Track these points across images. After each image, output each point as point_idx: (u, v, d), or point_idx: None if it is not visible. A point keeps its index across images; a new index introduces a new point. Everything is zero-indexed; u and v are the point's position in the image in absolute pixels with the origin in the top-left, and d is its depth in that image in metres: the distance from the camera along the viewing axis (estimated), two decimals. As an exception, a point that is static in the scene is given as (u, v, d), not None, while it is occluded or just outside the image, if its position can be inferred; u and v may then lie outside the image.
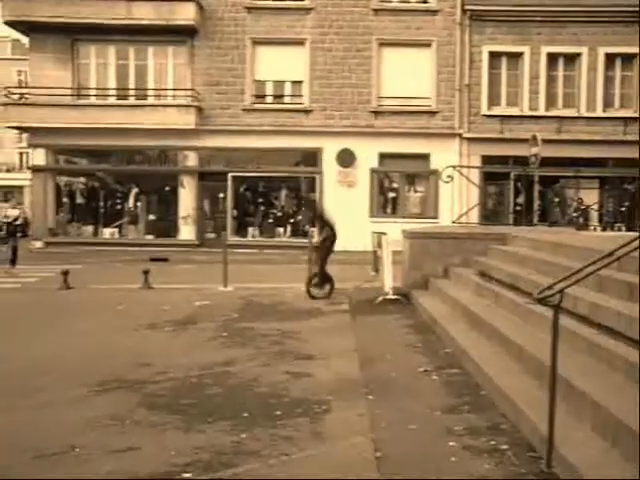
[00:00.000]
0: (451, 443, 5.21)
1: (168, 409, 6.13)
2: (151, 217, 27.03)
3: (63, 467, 4.87)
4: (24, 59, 38.48)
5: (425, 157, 25.88)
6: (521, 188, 22.83)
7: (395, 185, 26.67)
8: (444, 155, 23.92)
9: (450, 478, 4.59)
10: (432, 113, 25.96)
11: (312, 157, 26.11)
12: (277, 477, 4.66)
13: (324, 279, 12.81)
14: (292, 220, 26.52)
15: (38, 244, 25.83)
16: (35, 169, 27.01)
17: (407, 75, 25.51)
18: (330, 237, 12.66)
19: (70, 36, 25.98)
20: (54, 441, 5.33)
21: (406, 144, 25.28)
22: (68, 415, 6.00)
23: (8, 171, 71.77)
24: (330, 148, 25.63)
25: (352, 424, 5.72)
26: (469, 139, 25.76)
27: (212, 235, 26.11)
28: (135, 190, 26.93)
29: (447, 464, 4.82)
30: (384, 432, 5.48)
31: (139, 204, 26.99)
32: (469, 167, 22.83)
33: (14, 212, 18.77)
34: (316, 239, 12.55)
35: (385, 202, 26.57)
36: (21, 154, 67.22)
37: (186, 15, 25.37)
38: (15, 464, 4.93)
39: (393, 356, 8.18)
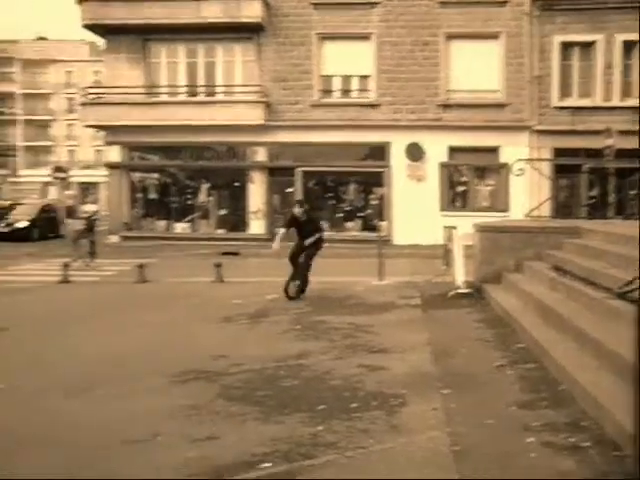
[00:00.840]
0: (529, 439, 5.15)
1: (246, 400, 6.26)
2: (222, 212, 27.45)
3: (149, 453, 5.05)
4: (100, 61, 39.51)
5: (494, 150, 25.53)
6: (595, 181, 22.33)
7: (465, 179, 26.40)
8: (514, 148, 23.56)
9: (531, 478, 4.55)
10: (501, 106, 25.58)
11: (380, 151, 26.07)
12: (355, 468, 4.71)
13: (304, 280, 12.53)
14: (361, 214, 26.54)
15: (114, 238, 26.55)
16: (110, 166, 27.80)
17: (475, 67, 25.18)
18: (321, 240, 12.73)
19: (142, 37, 26.61)
20: (139, 428, 5.52)
21: (475, 137, 25.00)
22: (150, 404, 6.20)
23: (86, 168, 73.92)
24: (398, 142, 25.54)
25: (428, 418, 5.73)
26: (539, 131, 25.28)
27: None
28: (206, 185, 27.39)
29: (526, 460, 4.76)
30: (460, 426, 5.47)
31: (210, 199, 27.45)
32: (540, 160, 22.47)
33: (92, 207, 19.33)
34: (309, 241, 12.37)
35: (455, 196, 26.34)
36: (97, 151, 69.18)
37: (253, 13, 25.63)
38: (105, 448, 5.13)
39: (466, 350, 8.14)
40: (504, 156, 24.60)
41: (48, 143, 79.89)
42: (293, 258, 12.51)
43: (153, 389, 6.68)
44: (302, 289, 12.46)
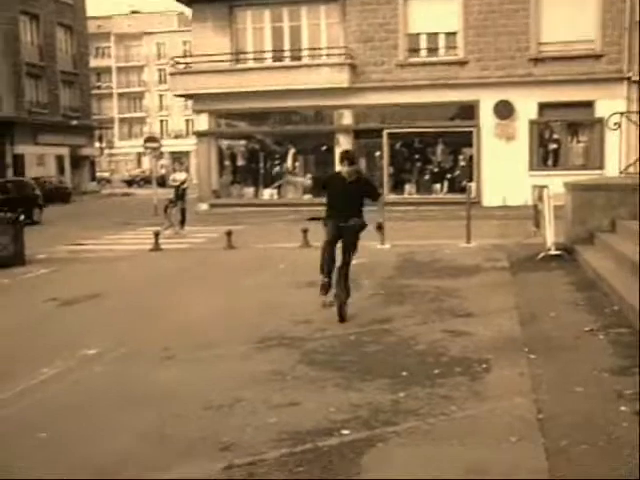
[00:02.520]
0: (622, 408, 4.93)
1: (327, 366, 6.26)
2: (308, 177, 27.46)
3: (231, 418, 5.11)
4: (188, 30, 40.02)
5: (589, 105, 24.43)
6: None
7: (556, 136, 25.43)
8: (610, 102, 22.45)
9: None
10: (597, 57, 24.38)
11: (468, 110, 25.40)
12: (436, 436, 4.64)
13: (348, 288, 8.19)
14: (449, 176, 26.06)
15: (203, 206, 27.03)
16: (199, 134, 28.20)
17: (569, 18, 23.99)
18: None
19: (228, 3, 26.69)
20: (221, 393, 5.60)
21: (568, 92, 23.98)
22: (233, 369, 6.29)
23: (177, 137, 75.60)
24: (487, 100, 24.80)
25: (513, 384, 5.59)
26: (639, 83, 24.02)
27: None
28: (293, 150, 27.44)
29: (618, 430, 4.55)
30: (547, 393, 5.30)
31: (297, 164, 27.51)
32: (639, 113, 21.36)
33: (181, 176, 19.68)
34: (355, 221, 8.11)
35: (545, 154, 25.44)
36: (187, 121, 70.57)
37: (337, -28, 25.28)
38: (188, 414, 5.23)
39: (556, 314, 7.88)
40: (599, 111, 23.52)
41: (141, 114, 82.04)
42: (329, 249, 8.09)
43: (236, 354, 6.77)
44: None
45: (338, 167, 8.88)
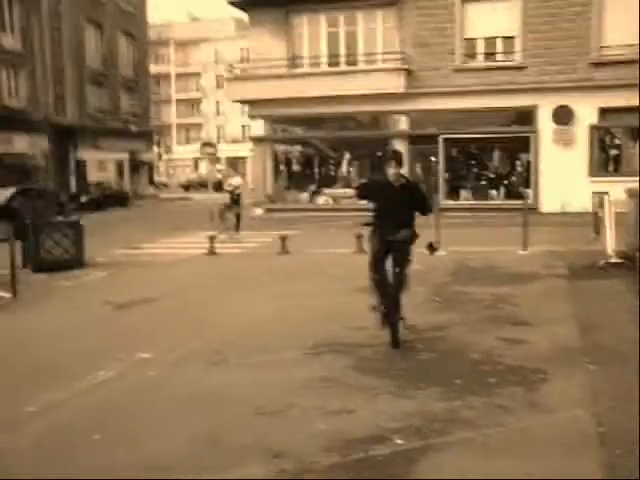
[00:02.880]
0: (686, 423, 4.76)
1: (380, 373, 6.19)
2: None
3: (283, 424, 5.10)
4: (245, 36, 40.43)
5: (653, 109, 23.80)
6: None
7: (617, 141, 24.82)
8: (675, 106, 21.82)
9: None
10: (661, 60, 23.74)
11: (526, 116, 24.98)
12: (492, 448, 4.53)
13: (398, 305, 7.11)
14: (506, 182, 25.67)
15: (258, 211, 27.19)
16: (255, 139, 28.41)
17: (632, 20, 23.42)
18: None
19: (284, 8, 26.84)
20: (273, 399, 5.59)
21: (630, 96, 23.39)
22: (286, 375, 6.26)
23: (233, 143, 76.41)
24: (545, 105, 24.34)
25: (571, 395, 5.44)
26: None
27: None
28: (347, 156, 27.42)
29: (681, 445, 4.39)
30: (607, 406, 5.14)
31: (352, 170, 27.47)
32: None
33: (237, 181, 19.82)
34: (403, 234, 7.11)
35: (606, 160, 24.83)
36: (243, 126, 71.26)
37: (393, -23, 25.19)
38: (240, 419, 5.23)
39: (615, 324, 7.66)
40: (663, 115, 22.89)
41: (199, 120, 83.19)
42: (378, 266, 7.12)
43: (289, 360, 6.75)
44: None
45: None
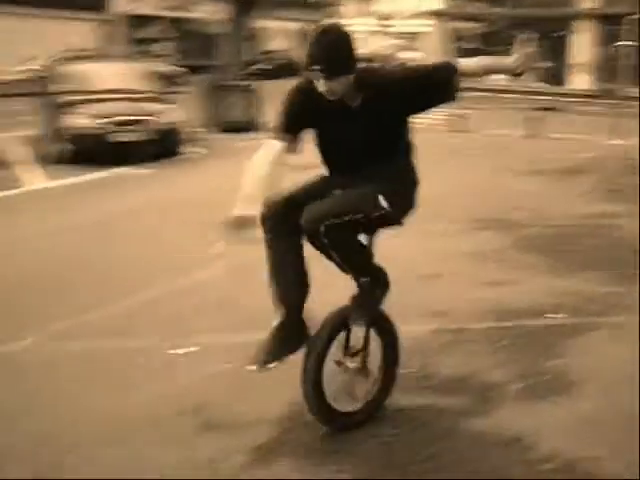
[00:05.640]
0: None
1: (541, 253, 6.27)
2: (541, 64, 26.13)
3: (442, 289, 5.38)
4: None
5: None
6: None
7: None
8: None
9: None
10: None
11: None
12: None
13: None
14: None
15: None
16: (432, 14, 27.62)
17: None
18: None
19: None
20: (434, 265, 5.86)
21: None
22: (448, 245, 6.48)
23: (409, 18, 74.07)
24: None
25: None
26: None
27: (607, 85, 24.30)
28: (524, 35, 26.07)
29: None
30: None
31: (529, 50, 26.16)
32: None
33: (414, 55, 19.51)
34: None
35: None
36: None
37: None
38: (403, 280, 5.45)
39: None
40: None
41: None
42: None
43: (449, 232, 6.94)
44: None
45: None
